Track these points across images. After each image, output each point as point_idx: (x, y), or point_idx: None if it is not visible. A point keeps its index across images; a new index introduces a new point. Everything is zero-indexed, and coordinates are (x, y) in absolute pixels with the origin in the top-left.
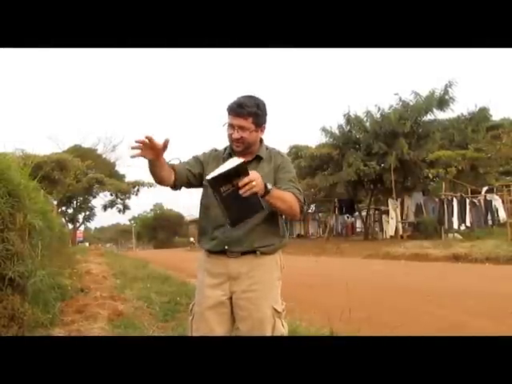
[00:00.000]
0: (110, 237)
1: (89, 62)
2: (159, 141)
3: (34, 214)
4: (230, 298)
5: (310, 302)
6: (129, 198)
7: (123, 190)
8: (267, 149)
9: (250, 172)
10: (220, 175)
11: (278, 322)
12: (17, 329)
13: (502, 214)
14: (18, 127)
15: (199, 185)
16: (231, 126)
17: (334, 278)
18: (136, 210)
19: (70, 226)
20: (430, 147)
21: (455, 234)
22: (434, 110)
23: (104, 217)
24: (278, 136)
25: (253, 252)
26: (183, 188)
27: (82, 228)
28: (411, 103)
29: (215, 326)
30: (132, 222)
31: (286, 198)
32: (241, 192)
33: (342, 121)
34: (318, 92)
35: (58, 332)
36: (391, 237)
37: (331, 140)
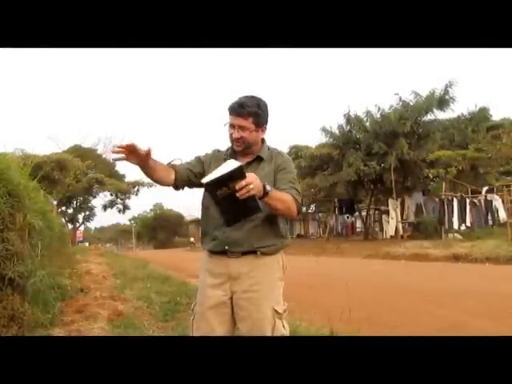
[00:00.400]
0: (110, 237)
1: (89, 61)
2: (143, 147)
3: (34, 214)
4: (231, 298)
5: (310, 302)
6: (129, 197)
7: (123, 190)
8: (269, 149)
9: (247, 175)
10: (215, 179)
11: (278, 323)
12: (17, 329)
13: (502, 214)
14: (18, 127)
15: (201, 185)
16: (232, 125)
17: (333, 278)
18: (136, 209)
19: (70, 226)
20: (430, 147)
21: (455, 234)
22: (434, 109)
23: (104, 217)
24: (278, 136)
25: (253, 252)
26: (186, 188)
27: (81, 228)
28: (411, 103)
29: (216, 326)
30: (132, 222)
31: (284, 199)
32: (238, 195)
33: (342, 121)
34: (318, 92)
35: (57, 332)
36: (391, 237)
37: (331, 140)
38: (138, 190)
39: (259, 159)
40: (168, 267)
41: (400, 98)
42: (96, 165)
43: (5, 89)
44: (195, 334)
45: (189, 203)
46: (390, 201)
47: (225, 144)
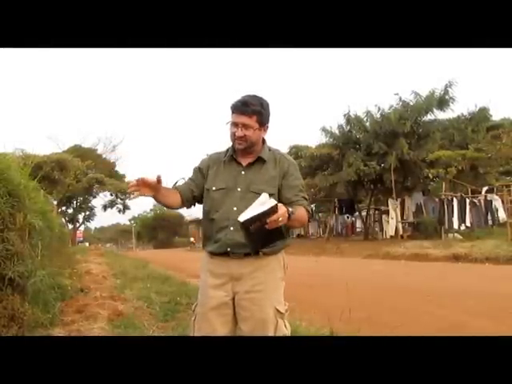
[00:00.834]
0: (110, 237)
1: (89, 61)
2: (152, 177)
3: (34, 214)
4: (233, 299)
5: (310, 301)
6: (129, 197)
7: (123, 190)
8: (270, 150)
9: (278, 208)
10: (252, 218)
11: (280, 323)
12: (17, 329)
13: (502, 214)
14: (18, 127)
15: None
16: (235, 124)
17: (333, 278)
18: (136, 210)
19: (70, 226)
20: (430, 147)
21: (455, 234)
22: (434, 109)
23: (104, 217)
24: (278, 136)
25: (255, 253)
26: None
27: (81, 228)
28: (411, 103)
29: (218, 327)
30: (132, 221)
31: (302, 217)
32: (267, 227)
33: (342, 121)
34: (317, 92)
35: (57, 332)
36: (391, 237)
37: (331, 140)
38: None
39: (261, 160)
40: (168, 267)
41: (400, 98)
42: (96, 165)
43: (5, 89)
44: (197, 335)
45: None
46: (390, 201)
47: (224, 144)
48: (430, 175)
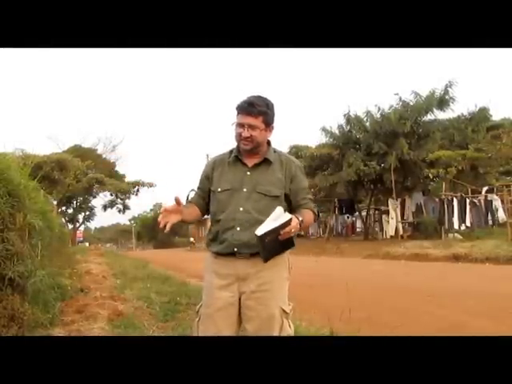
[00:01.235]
0: (110, 237)
1: (89, 61)
2: (171, 204)
3: (34, 214)
4: (239, 299)
5: (310, 301)
6: (129, 198)
7: (123, 190)
8: (275, 151)
9: (292, 220)
10: (269, 232)
11: (285, 323)
12: (17, 329)
13: (502, 215)
14: (18, 127)
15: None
16: (241, 124)
17: (333, 278)
18: (136, 209)
19: (70, 226)
20: (430, 147)
21: (455, 234)
22: (434, 109)
23: (104, 217)
24: (278, 136)
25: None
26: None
27: (81, 228)
28: (411, 103)
29: (223, 328)
30: (132, 221)
31: (309, 221)
32: (280, 238)
33: (342, 121)
34: (318, 92)
35: (57, 332)
36: (391, 237)
37: (331, 140)
38: (137, 190)
39: (267, 162)
40: (168, 267)
41: (400, 98)
42: (96, 165)
43: (5, 89)
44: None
45: None
46: (390, 201)
47: (224, 143)
48: (430, 175)
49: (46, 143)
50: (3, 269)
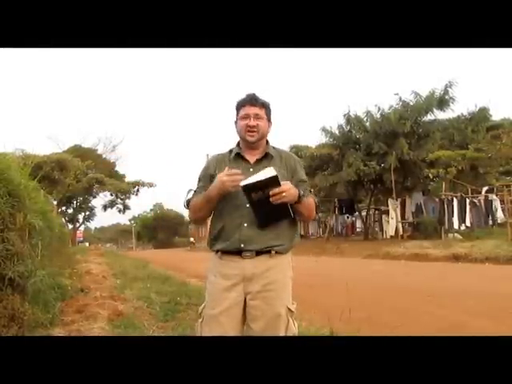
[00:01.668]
0: (110, 237)
1: (89, 61)
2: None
3: (34, 214)
4: (244, 300)
5: (310, 301)
6: (129, 198)
7: (123, 190)
8: (274, 148)
9: (282, 183)
10: (251, 183)
11: (291, 322)
12: (17, 329)
13: (500, 215)
14: (18, 127)
15: None
16: (246, 116)
17: (334, 278)
18: (136, 209)
19: (70, 226)
20: (430, 147)
21: (455, 234)
22: (434, 109)
23: (104, 217)
24: (278, 136)
25: (267, 252)
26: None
27: (81, 228)
28: (411, 103)
29: (229, 329)
30: (132, 221)
31: (310, 205)
32: (271, 199)
33: (342, 121)
34: (318, 92)
35: (58, 332)
36: (391, 237)
37: (331, 140)
38: (137, 190)
39: (268, 156)
40: (168, 267)
41: (400, 98)
42: (96, 165)
43: (5, 89)
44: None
45: None
46: (390, 201)
47: (224, 143)
48: (430, 175)
49: (46, 143)
50: (3, 269)
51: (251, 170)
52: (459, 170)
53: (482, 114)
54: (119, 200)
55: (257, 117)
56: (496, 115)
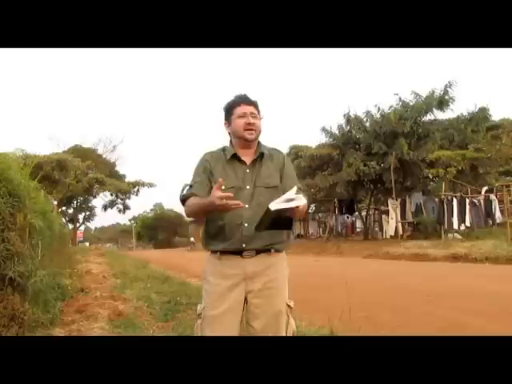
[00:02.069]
0: (110, 237)
1: (89, 61)
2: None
3: (35, 214)
4: (245, 298)
5: (310, 301)
6: (129, 198)
7: (123, 190)
8: (264, 146)
9: (300, 205)
10: (281, 210)
11: (290, 318)
12: (17, 329)
13: (498, 215)
14: (18, 127)
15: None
16: (243, 114)
17: (333, 278)
18: (136, 210)
19: (70, 226)
20: (430, 147)
21: (455, 234)
22: (434, 110)
23: (104, 217)
24: (278, 136)
25: (267, 250)
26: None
27: (82, 228)
28: (411, 103)
29: (231, 329)
30: (132, 221)
31: (304, 207)
32: (283, 215)
33: (342, 121)
34: (318, 92)
35: (58, 332)
36: (391, 237)
37: (331, 140)
38: (138, 190)
39: (261, 156)
40: (168, 267)
41: (400, 98)
42: (96, 165)
43: (5, 89)
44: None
45: None
46: (390, 201)
47: (224, 143)
48: (430, 175)
49: (46, 143)
50: (3, 269)
51: (247, 171)
52: (459, 170)
53: (481, 114)
54: (119, 200)
55: (253, 115)
56: (495, 115)
